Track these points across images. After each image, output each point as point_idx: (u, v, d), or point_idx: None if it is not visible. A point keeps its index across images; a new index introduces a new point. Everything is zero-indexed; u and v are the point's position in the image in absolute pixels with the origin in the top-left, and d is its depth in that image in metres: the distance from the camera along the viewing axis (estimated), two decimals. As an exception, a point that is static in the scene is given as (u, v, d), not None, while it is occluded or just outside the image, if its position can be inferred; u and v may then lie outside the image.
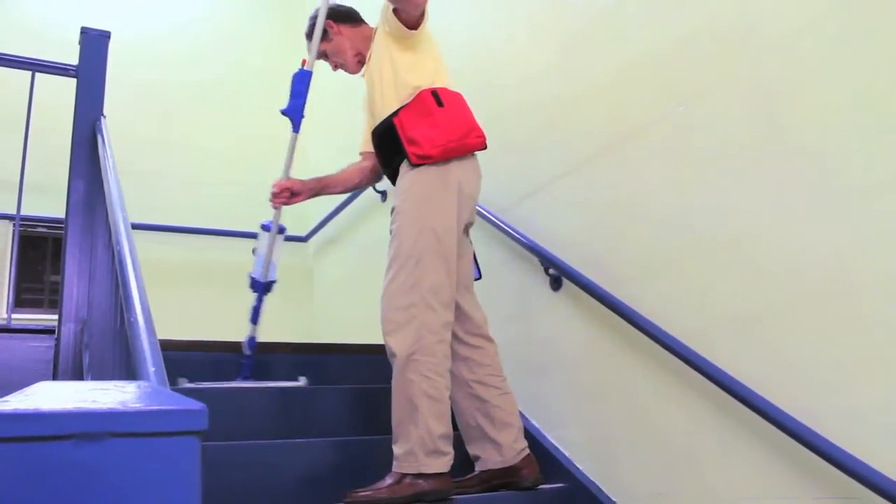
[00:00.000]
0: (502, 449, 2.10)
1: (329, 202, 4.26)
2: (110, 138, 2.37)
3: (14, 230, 2.85)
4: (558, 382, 2.37)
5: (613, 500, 2.08)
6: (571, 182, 2.38)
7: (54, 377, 2.35)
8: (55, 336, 2.42)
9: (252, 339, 2.60)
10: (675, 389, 1.94)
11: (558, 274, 2.37)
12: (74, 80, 2.65)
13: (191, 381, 2.40)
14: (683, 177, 1.99)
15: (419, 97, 2.12)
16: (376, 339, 3.13)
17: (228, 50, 4.96)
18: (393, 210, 2.14)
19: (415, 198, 2.07)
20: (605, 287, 2.15)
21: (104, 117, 2.58)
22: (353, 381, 2.77)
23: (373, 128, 2.26)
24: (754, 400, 1.68)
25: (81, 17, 3.59)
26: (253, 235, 4.53)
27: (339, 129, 4.56)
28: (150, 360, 1.07)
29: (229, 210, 4.58)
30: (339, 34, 2.40)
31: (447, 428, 1.97)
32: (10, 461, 0.67)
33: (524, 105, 2.32)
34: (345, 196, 4.00)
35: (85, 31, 2.67)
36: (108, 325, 1.95)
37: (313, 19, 2.46)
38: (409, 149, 2.08)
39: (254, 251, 2.66)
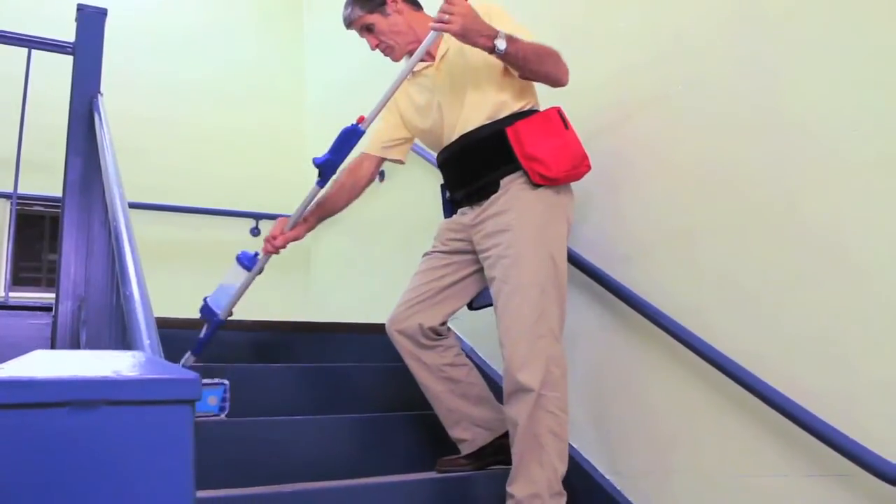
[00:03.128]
0: (488, 422, 2.07)
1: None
2: (107, 116, 2.36)
3: (11, 209, 2.85)
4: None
5: (608, 478, 2.10)
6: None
7: (52, 354, 2.36)
8: (52, 313, 2.42)
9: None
10: (669, 368, 1.95)
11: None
12: (71, 58, 2.64)
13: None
14: (678, 156, 1.99)
15: (547, 115, 1.97)
16: (372, 318, 3.15)
17: (228, 27, 4.92)
18: (489, 222, 1.96)
19: (535, 221, 1.91)
20: (600, 266, 2.16)
21: (101, 94, 2.56)
22: (354, 360, 2.78)
23: (453, 132, 2.04)
24: (747, 378, 1.69)
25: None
26: (249, 215, 4.57)
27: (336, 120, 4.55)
28: (145, 332, 1.08)
29: (226, 189, 4.57)
30: (400, 13, 2.09)
31: (566, 466, 1.90)
32: (5, 428, 0.67)
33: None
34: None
35: (81, 8, 2.65)
36: (105, 303, 1.95)
37: None
38: (531, 166, 1.90)
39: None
